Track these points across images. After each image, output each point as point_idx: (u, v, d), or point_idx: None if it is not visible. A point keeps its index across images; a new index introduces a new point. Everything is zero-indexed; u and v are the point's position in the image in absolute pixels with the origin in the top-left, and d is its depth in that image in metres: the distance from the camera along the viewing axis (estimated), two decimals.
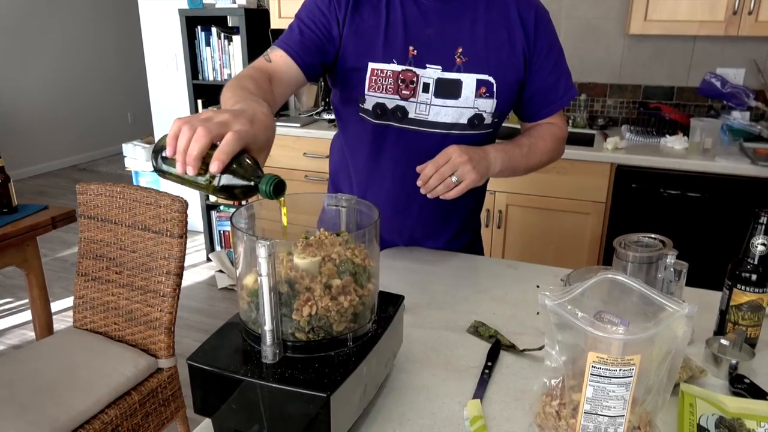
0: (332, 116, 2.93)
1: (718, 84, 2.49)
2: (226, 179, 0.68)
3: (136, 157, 3.97)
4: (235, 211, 0.75)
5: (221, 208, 3.43)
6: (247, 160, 0.70)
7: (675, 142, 2.38)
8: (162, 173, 0.74)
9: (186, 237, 1.62)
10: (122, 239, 1.69)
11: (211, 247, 3.51)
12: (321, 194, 0.88)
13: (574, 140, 2.56)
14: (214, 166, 0.66)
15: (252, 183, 0.69)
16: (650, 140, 2.48)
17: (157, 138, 3.88)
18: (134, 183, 4.06)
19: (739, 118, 2.49)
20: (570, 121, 2.79)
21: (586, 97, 2.81)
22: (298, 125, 2.82)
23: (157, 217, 1.63)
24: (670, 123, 2.56)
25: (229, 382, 0.67)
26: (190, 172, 0.68)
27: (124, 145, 4.02)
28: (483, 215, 2.50)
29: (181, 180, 0.72)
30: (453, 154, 1.03)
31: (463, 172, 1.02)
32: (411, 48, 1.10)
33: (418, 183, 1.05)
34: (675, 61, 2.68)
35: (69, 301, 3.03)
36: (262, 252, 0.64)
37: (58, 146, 5.69)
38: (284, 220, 0.76)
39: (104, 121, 6.10)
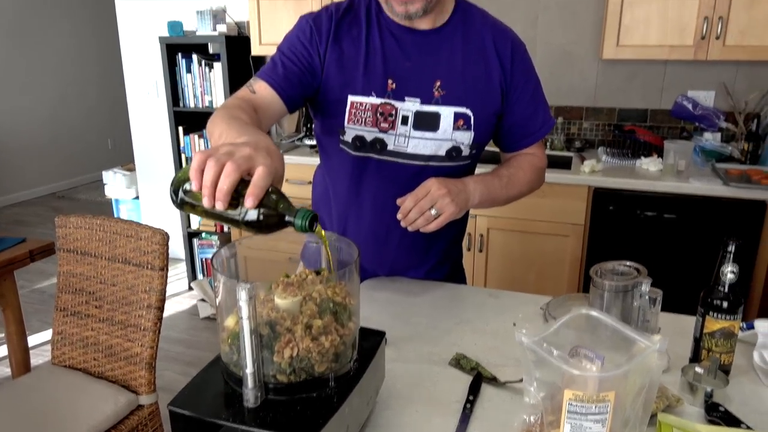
0: (314, 142, 2.95)
1: (689, 106, 2.56)
2: (255, 213, 0.69)
3: (116, 184, 3.94)
4: (215, 252, 0.76)
5: (203, 235, 3.41)
6: (275, 194, 0.71)
7: (650, 164, 2.43)
8: (183, 206, 0.73)
9: (167, 270, 1.61)
10: (102, 272, 1.67)
11: (193, 276, 3.48)
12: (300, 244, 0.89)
13: (552, 163, 2.58)
14: (249, 201, 0.67)
15: (286, 217, 0.70)
16: (626, 162, 2.53)
17: (137, 167, 3.86)
18: (114, 210, 4.03)
19: (710, 139, 2.55)
20: (548, 144, 2.84)
21: (562, 120, 2.87)
22: (280, 152, 2.83)
23: (137, 249, 1.62)
24: (645, 145, 2.62)
25: (211, 428, 0.66)
26: (220, 207, 0.67)
27: (104, 173, 4.00)
28: (464, 239, 2.52)
29: (207, 214, 0.71)
30: (432, 187, 1.04)
31: (443, 204, 1.04)
32: (390, 81, 1.12)
33: (398, 216, 1.06)
34: (648, 84, 2.75)
35: (47, 335, 2.97)
36: (242, 295, 0.65)
37: (37, 174, 5.62)
38: (327, 252, 0.79)
39: (84, 148, 6.06)
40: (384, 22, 1.13)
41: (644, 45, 2.44)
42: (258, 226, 0.70)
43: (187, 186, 0.71)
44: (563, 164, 2.58)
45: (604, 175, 2.36)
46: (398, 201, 1.06)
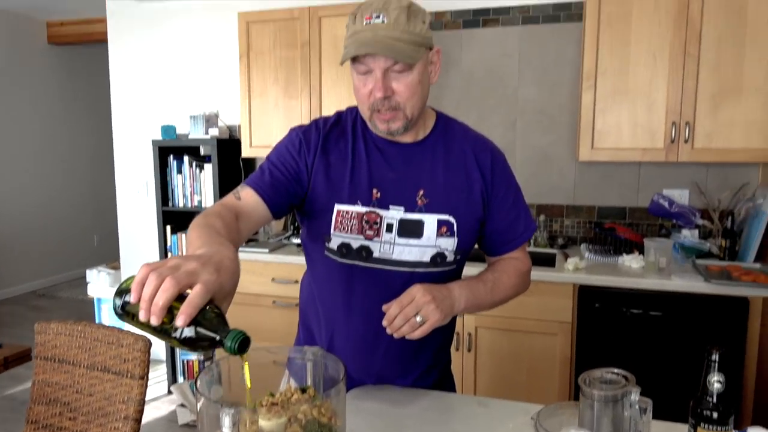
0: (300, 240, 2.97)
1: (666, 204, 2.65)
2: (190, 332, 0.68)
3: (100, 283, 3.89)
4: (199, 374, 0.75)
5: None
6: (213, 313, 0.70)
7: (632, 261, 2.47)
8: (122, 316, 0.73)
9: (147, 378, 1.56)
10: (79, 381, 1.62)
11: (173, 378, 3.36)
12: (286, 347, 0.89)
13: (537, 260, 2.63)
14: (180, 320, 0.66)
15: (217, 338, 0.69)
16: (608, 259, 2.57)
17: (123, 265, 3.84)
18: (96, 309, 3.94)
19: (689, 236, 2.62)
20: (531, 241, 2.89)
21: (545, 218, 2.94)
22: (267, 250, 2.85)
23: (118, 357, 1.58)
24: (626, 242, 2.68)
25: None
26: (154, 321, 0.68)
27: (88, 271, 3.96)
28: (452, 339, 2.49)
29: (142, 326, 0.71)
30: (417, 293, 1.05)
31: (428, 311, 1.04)
32: (375, 191, 1.16)
33: (384, 323, 1.06)
34: (624, 183, 2.86)
35: None
36: (226, 421, 0.64)
37: (18, 271, 5.54)
38: (248, 380, 0.75)
39: (69, 244, 6.03)
40: (369, 135, 1.20)
41: (618, 148, 2.57)
42: (190, 344, 0.69)
43: (127, 297, 0.71)
44: (547, 261, 2.62)
45: (588, 273, 2.39)
46: (384, 307, 1.07)
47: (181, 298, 0.68)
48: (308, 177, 1.17)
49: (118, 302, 0.73)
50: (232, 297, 0.77)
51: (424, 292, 1.06)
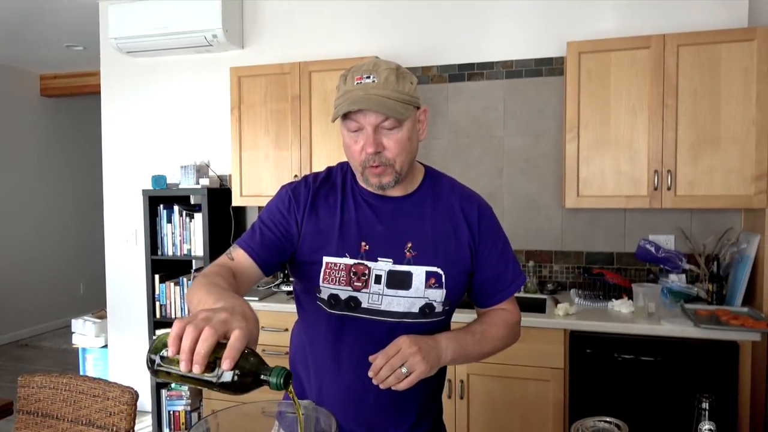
0: (290, 288, 2.96)
1: (652, 249, 2.69)
2: (231, 375, 0.72)
3: (85, 333, 3.82)
4: (192, 427, 0.74)
5: (172, 386, 3.26)
6: (251, 356, 0.75)
7: (621, 306, 2.49)
8: (159, 373, 0.76)
9: (133, 431, 1.53)
10: None
11: (159, 430, 3.27)
12: (276, 401, 0.88)
13: (527, 306, 2.65)
14: (226, 364, 0.71)
15: (262, 376, 0.74)
16: (598, 305, 2.59)
17: (109, 313, 3.79)
18: (80, 360, 3.86)
19: (676, 280, 2.65)
20: (522, 287, 2.90)
21: (534, 264, 2.96)
22: (257, 298, 2.83)
23: (103, 410, 1.55)
24: (615, 287, 2.70)
25: None
26: (197, 370, 0.71)
27: (73, 321, 3.90)
28: (445, 386, 2.46)
29: (183, 379, 0.75)
30: (403, 345, 1.06)
31: (413, 362, 1.04)
32: (363, 243, 1.18)
33: (369, 374, 1.06)
34: (610, 229, 2.90)
35: None
36: None
37: (1, 321, 5.43)
38: (299, 410, 0.81)
39: (55, 292, 5.93)
40: (358, 189, 1.23)
41: (602, 195, 2.62)
42: (233, 387, 0.73)
43: (164, 353, 0.74)
44: (538, 307, 2.63)
45: (579, 318, 2.40)
46: (370, 358, 1.07)
47: (215, 348, 0.72)
48: (298, 232, 1.20)
49: (155, 358, 0.76)
50: (257, 344, 0.81)
51: (410, 343, 1.06)
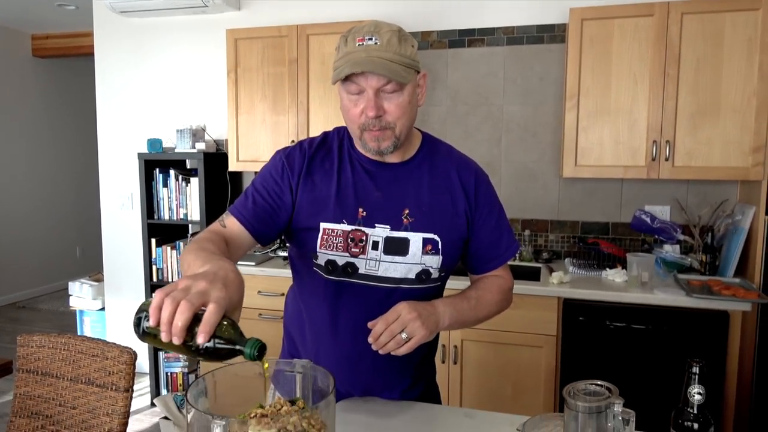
0: (287, 254, 2.98)
1: (647, 220, 2.70)
2: (211, 345, 0.75)
3: (82, 295, 3.85)
4: (190, 386, 0.75)
5: None
6: (230, 327, 0.77)
7: (615, 276, 2.51)
8: (145, 337, 0.79)
9: (132, 391, 1.55)
10: (62, 394, 1.60)
11: (156, 391, 3.32)
12: (274, 359, 0.89)
13: (522, 274, 2.67)
14: (200, 338, 0.73)
15: (237, 347, 0.76)
16: (592, 273, 2.61)
17: (106, 277, 3.80)
18: (77, 322, 3.89)
19: (670, 251, 2.67)
20: (516, 256, 2.92)
21: (529, 233, 2.98)
22: (253, 263, 2.84)
23: (102, 369, 1.57)
24: (609, 256, 2.72)
25: None
26: (176, 341, 0.73)
27: (70, 283, 3.92)
28: (438, 351, 2.50)
29: (165, 345, 0.77)
30: (402, 311, 1.07)
31: (413, 328, 1.06)
32: (361, 210, 1.18)
33: (369, 340, 1.08)
34: (606, 199, 2.91)
35: None
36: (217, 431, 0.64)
37: None
38: (266, 383, 0.82)
39: (52, 255, 5.94)
40: (356, 155, 1.22)
41: (600, 165, 2.62)
42: (211, 356, 0.76)
43: (147, 322, 0.77)
44: (532, 275, 2.65)
45: (572, 287, 2.42)
46: (369, 324, 1.08)
47: (195, 318, 0.74)
48: (293, 199, 1.19)
49: (139, 325, 0.78)
50: (241, 306, 0.83)
51: (410, 309, 1.07)
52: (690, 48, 2.46)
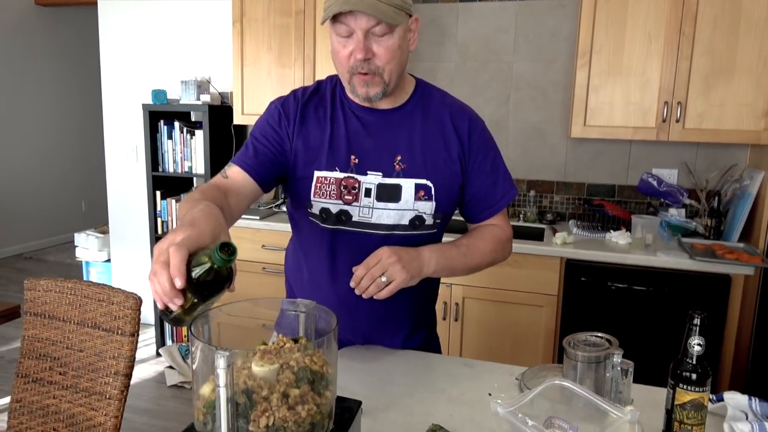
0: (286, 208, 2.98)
1: (654, 183, 2.68)
2: (198, 285, 0.74)
3: (88, 246, 3.88)
4: (194, 320, 0.76)
5: None
6: (203, 256, 0.75)
7: (619, 238, 2.51)
8: (171, 322, 0.81)
9: (138, 335, 1.57)
10: (69, 337, 1.63)
11: (161, 342, 3.38)
12: (279, 299, 0.90)
13: (525, 234, 2.67)
14: (177, 282, 0.71)
15: (208, 264, 0.74)
16: (596, 235, 2.61)
17: (111, 229, 3.83)
18: (84, 273, 3.94)
19: (675, 215, 2.66)
20: (521, 216, 2.92)
21: (534, 194, 2.96)
22: (258, 218, 2.85)
23: (108, 314, 1.59)
24: (614, 219, 2.72)
25: None
26: (174, 307, 0.74)
27: (76, 235, 3.95)
28: (440, 308, 2.53)
29: (185, 315, 0.77)
30: (383, 255, 1.08)
31: (393, 272, 1.07)
32: (353, 157, 1.18)
33: (351, 284, 1.09)
34: (614, 161, 2.88)
35: (3, 403, 2.82)
36: (220, 363, 0.65)
37: (5, 234, 5.50)
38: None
39: (57, 209, 5.98)
40: (347, 102, 1.21)
41: (609, 126, 2.58)
42: (208, 291, 0.76)
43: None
44: (536, 236, 2.65)
45: (576, 248, 2.42)
46: (353, 269, 1.09)
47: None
48: (291, 146, 1.19)
49: (166, 315, 0.79)
50: (226, 232, 0.84)
51: (390, 253, 1.08)
52: (708, 6, 2.39)
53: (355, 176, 1.17)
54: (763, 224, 2.41)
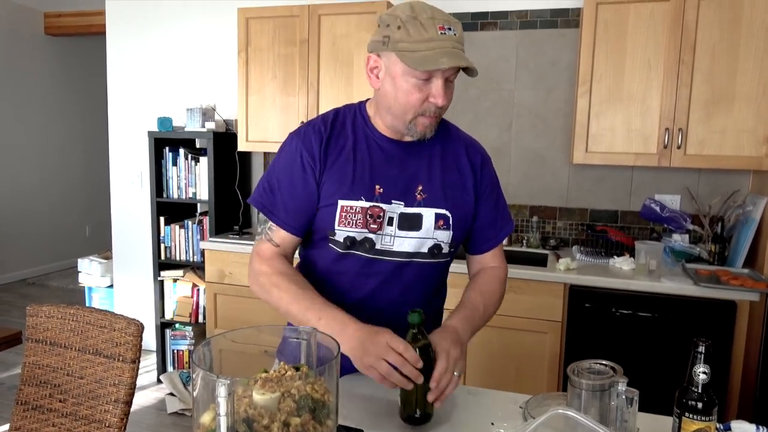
0: None
1: (657, 209, 2.69)
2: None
3: (91, 272, 3.88)
4: (195, 347, 0.76)
5: (176, 326, 3.33)
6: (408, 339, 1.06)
7: (623, 263, 2.50)
8: (423, 419, 1.09)
9: (139, 362, 1.57)
10: (70, 364, 1.62)
11: (163, 368, 3.36)
12: (281, 326, 0.90)
13: (529, 260, 2.66)
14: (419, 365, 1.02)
15: (423, 341, 1.06)
16: (600, 261, 2.60)
17: (114, 255, 3.83)
18: (86, 299, 3.94)
19: (679, 240, 2.65)
20: (524, 242, 2.92)
21: (537, 219, 2.96)
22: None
23: (110, 340, 1.59)
24: (617, 244, 2.71)
25: None
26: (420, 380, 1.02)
27: (79, 260, 3.95)
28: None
29: (430, 408, 1.08)
30: (453, 354, 1.06)
31: (461, 365, 1.09)
32: (377, 186, 1.20)
33: (432, 396, 1.04)
34: (616, 187, 2.89)
35: (2, 430, 2.79)
36: (221, 391, 0.65)
37: (8, 259, 5.51)
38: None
39: (61, 234, 6.00)
40: (370, 133, 1.23)
41: (611, 152, 2.60)
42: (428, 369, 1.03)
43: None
44: (539, 262, 2.64)
45: (579, 273, 2.42)
46: (434, 381, 1.04)
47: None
48: (317, 187, 1.20)
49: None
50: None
51: (457, 349, 1.08)
52: (706, 34, 2.42)
53: (381, 205, 1.19)
54: (767, 250, 2.40)
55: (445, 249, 1.23)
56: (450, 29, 1.09)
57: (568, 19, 2.87)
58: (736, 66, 2.41)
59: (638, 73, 2.53)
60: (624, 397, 1.00)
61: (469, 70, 1.11)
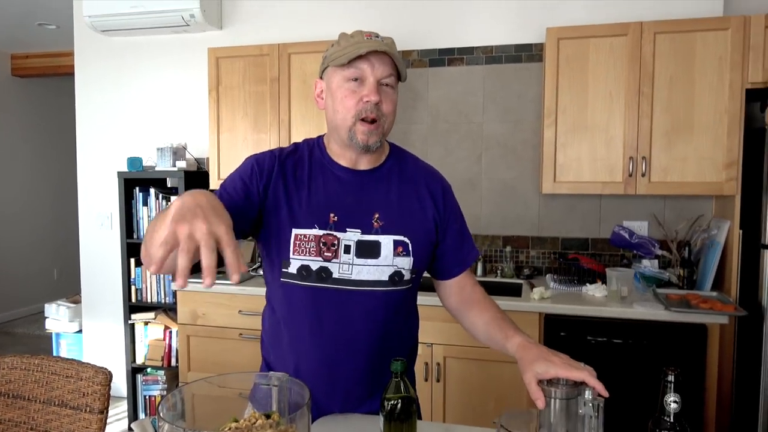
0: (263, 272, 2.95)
1: (626, 235, 2.74)
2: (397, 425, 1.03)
3: (59, 317, 3.77)
4: (162, 400, 0.74)
5: (148, 371, 3.23)
6: (387, 393, 1.05)
7: (595, 291, 2.53)
8: None
9: (107, 412, 1.51)
10: (34, 417, 1.56)
11: (134, 415, 3.25)
12: (253, 372, 0.88)
13: (503, 290, 2.68)
14: (207, 281, 0.93)
15: (403, 394, 1.04)
16: (573, 289, 2.63)
17: (84, 299, 3.73)
18: (54, 345, 3.80)
19: (649, 266, 2.70)
20: (498, 272, 2.94)
21: (510, 249, 2.99)
22: (234, 282, 2.81)
23: (76, 391, 1.53)
24: (589, 272, 2.75)
25: None
26: (180, 283, 0.91)
27: (47, 306, 3.83)
28: (421, 368, 2.49)
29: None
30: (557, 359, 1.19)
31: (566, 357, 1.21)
32: (332, 215, 1.20)
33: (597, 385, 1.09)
34: (586, 215, 2.94)
35: None
36: None
37: None
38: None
39: (28, 278, 5.82)
40: (327, 162, 1.25)
41: (579, 181, 2.65)
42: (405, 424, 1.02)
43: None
44: (514, 291, 2.66)
45: (553, 302, 2.43)
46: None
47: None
48: (260, 201, 1.21)
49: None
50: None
51: (548, 352, 1.21)
52: (663, 67, 2.52)
53: (334, 233, 1.19)
54: (733, 273, 2.46)
55: (407, 276, 1.24)
56: (378, 36, 1.17)
57: (531, 53, 2.96)
58: (693, 96, 2.50)
59: (601, 105, 2.61)
60: (590, 404, 1.02)
61: (399, 74, 1.18)
